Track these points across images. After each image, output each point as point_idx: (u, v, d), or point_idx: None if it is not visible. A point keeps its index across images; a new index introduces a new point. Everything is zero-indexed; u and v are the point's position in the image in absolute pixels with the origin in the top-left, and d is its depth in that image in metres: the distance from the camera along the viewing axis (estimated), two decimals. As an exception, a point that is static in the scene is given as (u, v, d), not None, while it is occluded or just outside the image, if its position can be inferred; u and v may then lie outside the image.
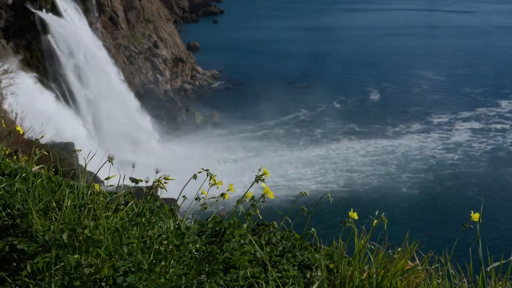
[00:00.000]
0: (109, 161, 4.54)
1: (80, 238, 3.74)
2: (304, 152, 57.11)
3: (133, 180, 4.51)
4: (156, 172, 4.36)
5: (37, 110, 43.16)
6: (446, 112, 68.04)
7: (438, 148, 57.66)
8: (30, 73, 50.41)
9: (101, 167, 4.77)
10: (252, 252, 4.05)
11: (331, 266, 4.21)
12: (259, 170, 4.38)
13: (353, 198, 45.72)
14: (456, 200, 45.77)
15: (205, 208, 4.82)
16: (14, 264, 3.66)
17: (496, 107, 69.91)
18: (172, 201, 30.41)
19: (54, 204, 4.32)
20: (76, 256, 3.56)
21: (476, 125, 64.20)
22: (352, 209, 4.67)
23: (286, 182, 49.29)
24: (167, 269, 3.66)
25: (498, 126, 63.90)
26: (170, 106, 66.25)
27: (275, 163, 53.95)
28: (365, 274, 4.08)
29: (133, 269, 3.53)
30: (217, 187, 4.65)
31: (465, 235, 4.60)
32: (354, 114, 67.21)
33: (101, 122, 55.05)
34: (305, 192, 5.04)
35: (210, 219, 4.60)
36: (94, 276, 3.52)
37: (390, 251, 4.32)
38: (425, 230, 38.66)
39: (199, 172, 4.73)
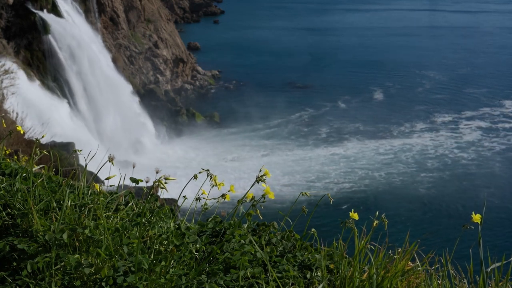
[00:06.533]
0: (110, 161, 4.55)
1: (81, 238, 3.74)
2: (315, 151, 57.02)
3: (133, 180, 4.51)
4: (157, 172, 4.36)
5: (38, 110, 43.22)
6: (450, 112, 68.02)
7: (452, 148, 57.62)
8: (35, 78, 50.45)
9: (101, 167, 4.77)
10: (252, 253, 4.05)
11: (331, 266, 4.21)
12: (260, 171, 4.38)
13: (373, 198, 45.90)
14: (467, 201, 45.73)
15: (206, 208, 4.82)
16: (15, 264, 3.66)
17: (500, 107, 69.83)
18: (172, 201, 30.42)
19: (55, 204, 4.32)
20: (76, 256, 3.56)
21: (483, 124, 64.08)
22: (360, 208, 4.67)
23: (309, 183, 49.30)
24: (167, 269, 3.66)
25: (507, 126, 63.83)
26: (171, 106, 66.27)
27: (287, 162, 53.95)
28: (365, 275, 4.09)
29: (133, 269, 3.54)
30: (218, 188, 4.65)
31: (469, 236, 4.60)
32: (360, 113, 67.14)
33: (102, 122, 55.07)
34: (305, 193, 5.05)
35: (210, 219, 4.60)
36: (94, 276, 3.52)
37: (390, 251, 4.32)
38: (433, 231, 38.70)
39: (200, 173, 4.73)
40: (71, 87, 53.15)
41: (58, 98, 51.56)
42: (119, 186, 4.92)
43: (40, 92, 49.38)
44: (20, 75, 46.92)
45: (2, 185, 4.44)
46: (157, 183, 3.74)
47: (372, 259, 4.13)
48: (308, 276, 4.06)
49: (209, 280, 3.68)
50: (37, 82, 50.23)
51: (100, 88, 55.20)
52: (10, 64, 45.56)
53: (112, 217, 4.31)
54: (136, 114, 59.52)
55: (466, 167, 53.18)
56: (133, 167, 5.48)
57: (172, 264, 3.77)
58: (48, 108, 46.74)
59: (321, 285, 3.90)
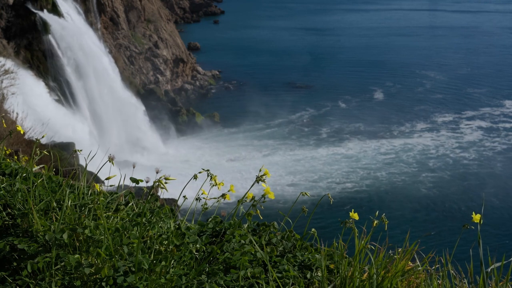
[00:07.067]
0: (110, 161, 4.55)
1: (81, 238, 3.74)
2: (317, 151, 56.96)
3: (133, 180, 4.51)
4: (157, 172, 4.36)
5: (38, 110, 43.18)
6: (450, 112, 68.05)
7: (453, 148, 57.60)
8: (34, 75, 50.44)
9: (101, 167, 4.77)
10: (253, 253, 4.05)
11: (332, 266, 4.21)
12: (260, 171, 4.38)
13: (375, 198, 45.89)
14: (469, 201, 45.68)
15: (206, 208, 4.82)
16: (15, 264, 3.66)
17: (501, 107, 69.83)
18: (172, 201, 30.40)
19: (55, 204, 4.32)
20: (77, 256, 3.56)
21: (484, 124, 64.05)
22: (362, 208, 4.66)
23: (311, 183, 49.27)
24: (168, 269, 3.66)
25: (508, 125, 63.81)
26: (171, 106, 66.27)
27: (289, 162, 53.90)
28: (365, 275, 4.08)
29: (133, 269, 3.53)
30: (218, 188, 4.65)
31: (470, 236, 4.59)
32: (360, 113, 67.09)
33: (102, 122, 55.02)
34: (305, 193, 5.05)
35: (210, 219, 4.60)
36: (94, 276, 3.52)
37: (390, 251, 4.32)
38: (434, 231, 38.66)
39: (200, 173, 4.73)
40: (71, 87, 53.02)
41: (58, 98, 51.47)
42: (119, 186, 4.92)
43: (64, 115, 49.42)
44: (41, 91, 47.03)
45: (3, 185, 4.44)
46: (157, 183, 3.74)
47: (372, 259, 4.12)
48: (308, 276, 4.06)
49: (209, 280, 3.68)
50: (57, 100, 50.44)
51: (100, 88, 55.06)
52: (13, 65, 45.60)
53: (112, 217, 4.31)
54: (136, 114, 59.35)
55: (468, 167, 53.16)
56: (133, 167, 5.48)
57: (172, 264, 3.76)
58: (48, 108, 46.58)
59: (330, 286, 3.90)
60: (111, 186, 4.98)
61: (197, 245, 4.05)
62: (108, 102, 55.22)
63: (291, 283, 3.90)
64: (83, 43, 54.15)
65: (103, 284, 3.46)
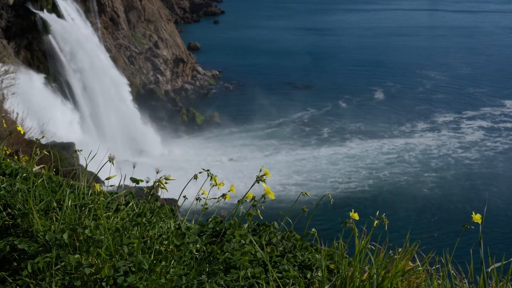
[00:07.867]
0: (110, 161, 4.55)
1: (81, 238, 3.74)
2: (318, 151, 56.91)
3: (133, 180, 4.51)
4: (157, 172, 4.36)
5: (38, 110, 43.20)
6: (451, 111, 68.08)
7: (455, 147, 57.59)
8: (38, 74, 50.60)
9: (101, 167, 4.77)
10: (253, 253, 4.04)
11: (332, 266, 4.21)
12: (260, 171, 4.37)
13: (379, 198, 45.84)
14: (471, 201, 45.62)
15: (206, 208, 4.81)
16: (15, 264, 3.66)
17: (501, 107, 69.82)
18: (172, 201, 30.40)
19: (55, 204, 4.32)
20: (77, 256, 3.56)
21: (484, 124, 64.03)
22: (364, 209, 4.66)
23: (313, 182, 49.29)
24: (168, 269, 3.66)
25: (509, 125, 63.79)
26: (171, 106, 66.27)
27: (291, 162, 53.85)
28: (365, 275, 4.08)
29: (133, 269, 3.53)
30: (218, 188, 4.64)
31: (471, 236, 4.59)
32: (361, 113, 67.07)
33: (102, 122, 55.03)
34: (305, 193, 5.06)
35: (210, 219, 4.59)
36: (94, 276, 3.52)
37: (390, 251, 4.32)
38: (437, 231, 38.62)
39: (200, 173, 4.73)
40: (71, 87, 53.04)
41: (58, 97, 51.51)
42: (119, 186, 4.92)
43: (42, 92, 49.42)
44: (65, 112, 47.27)
45: (3, 185, 4.44)
46: (157, 183, 3.73)
47: (373, 259, 4.12)
48: (308, 276, 4.06)
49: (209, 280, 3.68)
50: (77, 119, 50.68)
51: (100, 88, 55.06)
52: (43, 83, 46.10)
53: (112, 217, 4.31)
54: (136, 114, 59.32)
55: (470, 167, 53.14)
56: (133, 167, 5.48)
57: (173, 264, 3.76)
58: (49, 108, 46.63)
59: (327, 286, 3.90)
60: (111, 186, 4.98)
61: (197, 245, 4.04)
62: (112, 117, 55.36)
63: (291, 283, 3.90)
64: (81, 40, 54.08)
65: (103, 284, 3.46)
